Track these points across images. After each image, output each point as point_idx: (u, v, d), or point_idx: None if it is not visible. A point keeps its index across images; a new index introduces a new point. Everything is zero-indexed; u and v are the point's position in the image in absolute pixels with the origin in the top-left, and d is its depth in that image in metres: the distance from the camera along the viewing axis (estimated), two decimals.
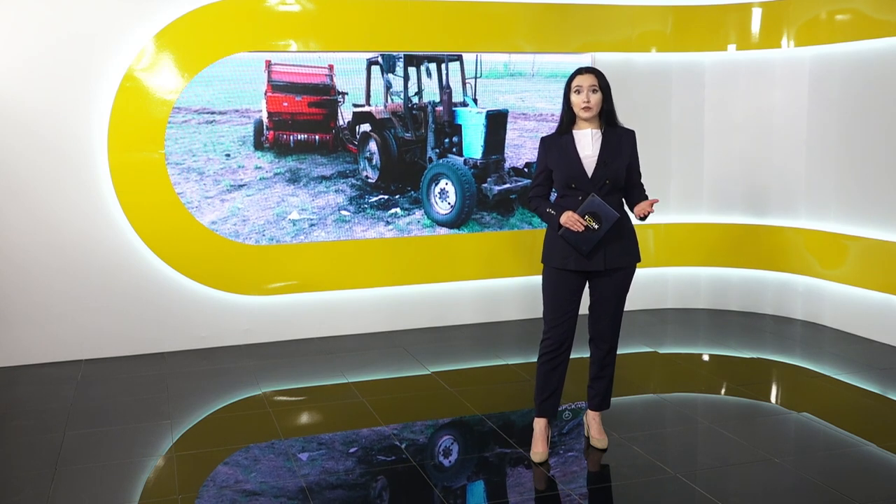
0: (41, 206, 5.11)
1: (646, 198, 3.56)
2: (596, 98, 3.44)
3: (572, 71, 3.50)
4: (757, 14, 6.00)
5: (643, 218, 3.45)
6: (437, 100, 5.78)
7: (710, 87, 6.24)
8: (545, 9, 5.89)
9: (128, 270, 5.30)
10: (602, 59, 5.96)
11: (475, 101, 5.86)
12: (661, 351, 5.38)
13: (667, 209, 6.29)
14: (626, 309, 3.67)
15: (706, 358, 5.32)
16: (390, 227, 5.78)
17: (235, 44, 5.31)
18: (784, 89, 5.97)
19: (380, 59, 5.61)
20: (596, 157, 3.46)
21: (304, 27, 5.45)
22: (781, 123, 6.00)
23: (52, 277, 5.17)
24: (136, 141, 5.20)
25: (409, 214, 5.81)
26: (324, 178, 5.62)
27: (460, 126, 5.84)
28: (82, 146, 5.13)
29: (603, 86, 3.46)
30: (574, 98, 3.46)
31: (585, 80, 3.44)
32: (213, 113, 5.34)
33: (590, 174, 3.45)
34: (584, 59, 5.98)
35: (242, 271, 5.52)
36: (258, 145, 5.47)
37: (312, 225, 5.62)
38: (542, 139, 3.59)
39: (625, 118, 3.65)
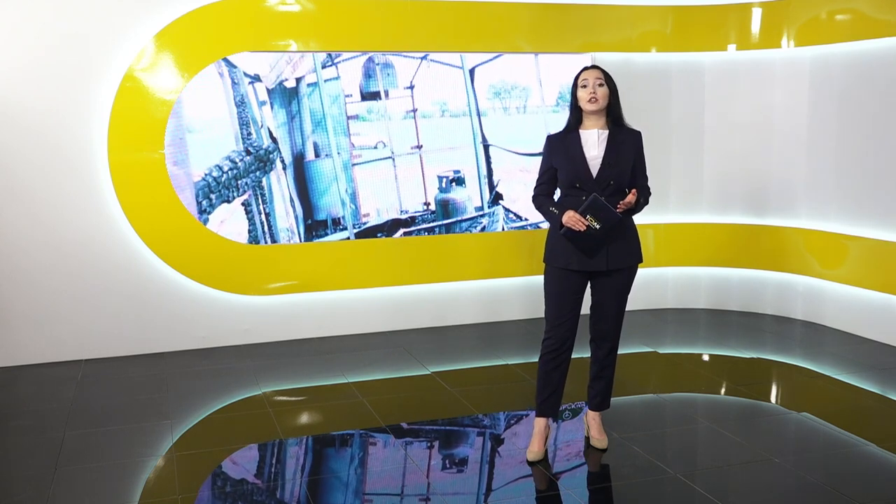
0: (41, 206, 5.11)
1: (642, 196, 3.54)
2: (602, 91, 3.43)
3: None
4: (757, 14, 6.00)
5: (628, 212, 3.43)
6: None
7: (710, 87, 6.24)
8: (545, 9, 5.89)
9: (128, 270, 5.30)
10: (602, 59, 5.96)
11: None
12: (661, 351, 5.38)
13: (667, 209, 6.29)
14: (626, 309, 3.66)
15: (706, 358, 5.32)
16: None
17: (235, 44, 5.31)
18: (784, 89, 5.96)
19: None
20: (601, 158, 3.45)
21: (304, 27, 5.45)
22: (781, 123, 6.00)
23: (52, 277, 5.17)
24: (136, 141, 5.20)
25: None
26: None
27: None
28: (82, 146, 5.13)
29: (609, 82, 3.46)
30: (581, 93, 3.45)
31: (591, 74, 3.45)
32: None
33: (594, 175, 3.45)
34: (584, 59, 5.98)
35: (242, 271, 5.52)
36: None
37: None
38: (548, 137, 3.58)
39: (625, 118, 3.64)
